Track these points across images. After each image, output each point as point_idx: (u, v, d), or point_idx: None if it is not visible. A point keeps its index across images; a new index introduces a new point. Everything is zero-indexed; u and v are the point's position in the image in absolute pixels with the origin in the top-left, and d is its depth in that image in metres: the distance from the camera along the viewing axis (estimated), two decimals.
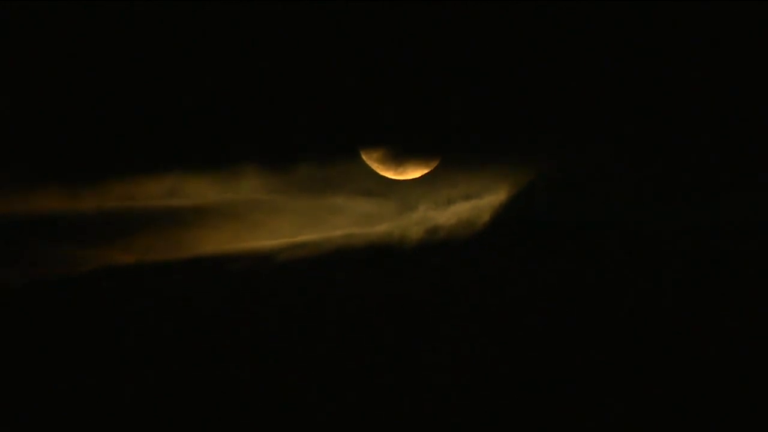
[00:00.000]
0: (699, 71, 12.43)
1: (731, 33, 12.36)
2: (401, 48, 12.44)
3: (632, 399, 12.13)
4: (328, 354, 12.40)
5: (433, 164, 12.57)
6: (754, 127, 12.46)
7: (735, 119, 12.46)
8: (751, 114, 12.45)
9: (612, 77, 12.41)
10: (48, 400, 12.25)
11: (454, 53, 12.44)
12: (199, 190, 12.63)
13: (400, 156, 12.51)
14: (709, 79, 12.43)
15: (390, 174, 12.55)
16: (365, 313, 12.49)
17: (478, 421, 12.11)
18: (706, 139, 12.47)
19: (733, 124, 12.47)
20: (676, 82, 12.45)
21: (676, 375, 12.17)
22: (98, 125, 12.59)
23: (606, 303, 12.39)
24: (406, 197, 12.71)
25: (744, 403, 11.99)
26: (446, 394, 12.23)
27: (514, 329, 12.39)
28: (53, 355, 12.39)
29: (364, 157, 12.57)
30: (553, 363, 12.25)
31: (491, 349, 12.35)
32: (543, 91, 12.43)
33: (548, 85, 12.41)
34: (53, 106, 12.62)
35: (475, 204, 12.60)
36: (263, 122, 12.54)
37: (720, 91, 12.43)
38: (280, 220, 12.72)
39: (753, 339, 12.19)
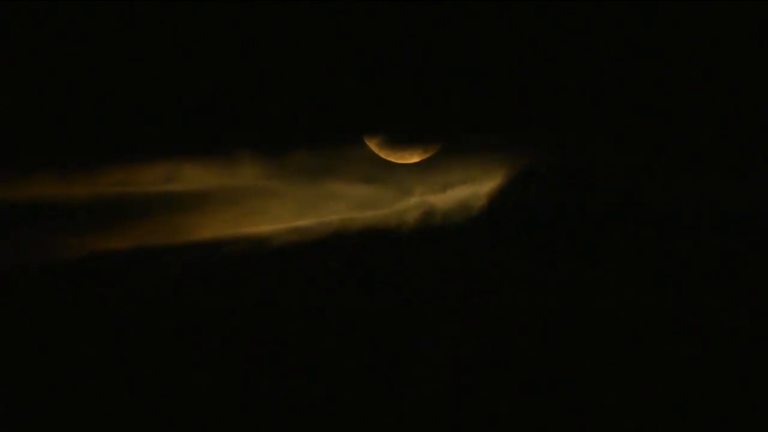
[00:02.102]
0: (701, 58, 12.50)
1: (730, 22, 12.43)
2: (399, 34, 12.48)
3: (629, 383, 12.24)
4: (323, 337, 12.42)
5: (433, 150, 12.63)
6: (756, 118, 12.52)
7: (738, 109, 12.52)
8: (753, 104, 12.51)
9: (612, 62, 12.49)
10: (40, 387, 12.20)
11: (453, 38, 12.50)
12: (196, 176, 12.61)
13: (400, 141, 12.56)
14: (710, 66, 12.50)
15: (392, 158, 12.59)
16: (361, 296, 12.52)
17: (473, 406, 12.15)
18: (710, 124, 12.53)
19: (735, 115, 12.53)
20: (678, 68, 12.53)
21: (675, 364, 12.24)
22: (93, 111, 12.56)
23: (604, 288, 12.45)
24: (403, 182, 12.78)
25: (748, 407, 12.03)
26: (441, 377, 12.27)
27: (511, 312, 12.44)
28: (47, 342, 12.34)
29: (366, 142, 12.61)
30: (551, 348, 12.30)
31: (488, 332, 12.40)
32: (544, 75, 12.50)
33: (549, 69, 12.48)
34: (46, 92, 12.57)
35: (472, 189, 12.66)
36: (261, 108, 12.56)
37: (722, 80, 12.50)
38: (277, 206, 12.73)
39: (756, 337, 12.20)
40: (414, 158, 12.64)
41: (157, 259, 12.46)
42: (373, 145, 12.58)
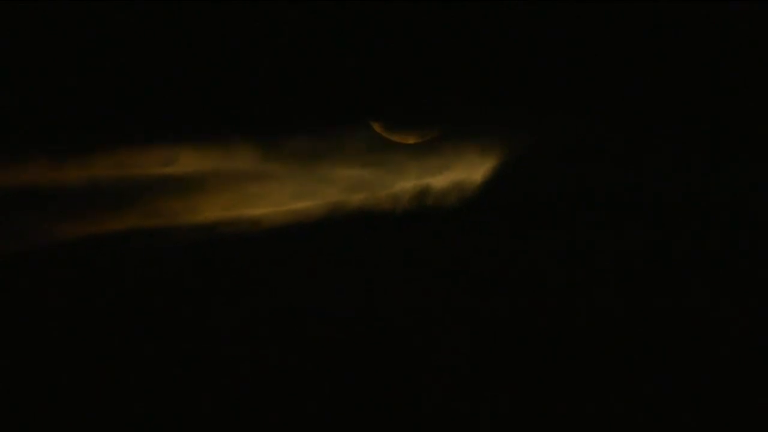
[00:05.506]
0: (701, 46, 12.58)
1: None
2: (396, 17, 12.51)
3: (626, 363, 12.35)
4: (318, 318, 12.48)
5: (432, 134, 12.71)
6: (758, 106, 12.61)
7: (744, 96, 12.59)
8: (757, 92, 12.59)
9: (612, 47, 12.55)
10: (37, 373, 12.18)
11: (450, 21, 12.54)
12: (193, 160, 12.62)
13: (401, 125, 12.63)
14: (711, 55, 12.58)
15: (394, 138, 12.66)
16: (356, 277, 12.58)
17: (468, 390, 12.24)
18: (713, 111, 12.60)
19: (740, 102, 12.59)
20: (678, 53, 12.61)
21: (672, 353, 12.34)
22: (89, 95, 12.52)
23: (601, 271, 12.54)
24: (400, 165, 12.84)
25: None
26: (435, 362, 12.35)
27: (506, 296, 12.52)
28: (44, 327, 12.32)
29: (365, 125, 12.67)
30: (546, 333, 12.38)
31: (482, 316, 12.48)
32: (542, 59, 12.56)
33: (548, 53, 12.54)
34: (42, 77, 12.51)
35: (469, 171, 12.73)
36: (258, 92, 12.56)
37: (724, 70, 12.59)
38: (275, 189, 12.77)
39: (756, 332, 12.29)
40: (411, 140, 12.75)
41: (154, 241, 12.48)
42: (376, 127, 12.66)
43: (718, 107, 12.57)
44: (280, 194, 12.75)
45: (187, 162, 12.61)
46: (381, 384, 12.28)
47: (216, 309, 12.45)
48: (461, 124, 12.70)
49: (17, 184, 12.38)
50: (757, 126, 12.57)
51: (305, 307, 12.48)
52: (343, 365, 12.33)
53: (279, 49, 12.55)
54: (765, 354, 12.12)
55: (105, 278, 12.46)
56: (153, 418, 12.10)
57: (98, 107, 12.51)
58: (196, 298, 12.46)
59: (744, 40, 12.48)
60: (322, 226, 12.67)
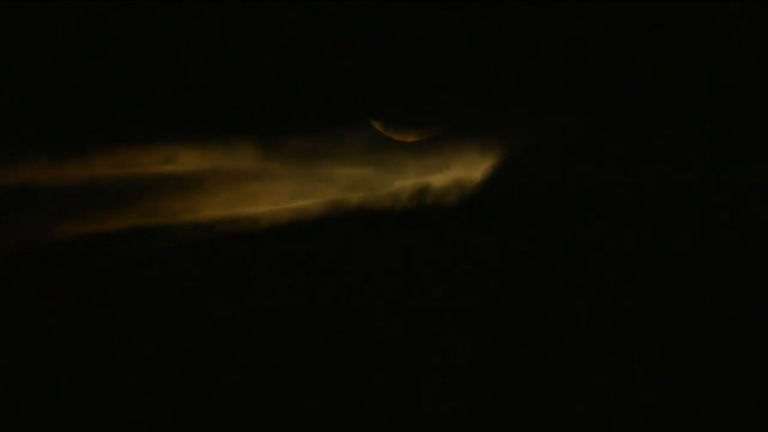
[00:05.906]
0: (700, 43, 12.59)
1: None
2: (396, 20, 12.52)
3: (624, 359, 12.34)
4: (317, 319, 12.48)
5: (432, 133, 12.72)
6: (759, 90, 12.61)
7: (744, 92, 12.59)
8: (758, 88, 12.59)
9: (611, 45, 12.54)
10: (35, 373, 12.17)
11: (450, 17, 12.55)
12: (194, 159, 12.63)
13: (401, 123, 12.65)
14: (710, 52, 12.59)
15: (395, 137, 12.68)
16: (355, 276, 12.58)
17: (467, 390, 12.23)
18: (715, 108, 12.60)
19: (742, 99, 12.59)
20: (677, 50, 12.62)
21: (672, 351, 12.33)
22: (89, 93, 12.52)
23: (599, 270, 12.54)
24: (399, 164, 12.85)
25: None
26: (434, 361, 12.35)
27: (505, 294, 12.52)
28: (42, 326, 12.31)
29: (365, 124, 12.68)
30: (546, 331, 12.37)
31: (481, 314, 12.47)
32: (542, 58, 12.56)
33: (547, 51, 12.55)
34: (40, 76, 12.50)
35: (468, 170, 12.74)
36: (258, 91, 12.57)
37: (725, 65, 12.60)
38: (275, 188, 12.78)
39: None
40: (410, 139, 12.77)
41: (154, 240, 12.49)
42: (376, 126, 12.68)
43: (718, 107, 12.58)
44: (280, 193, 12.77)
45: (187, 161, 12.63)
46: (380, 383, 12.26)
47: (216, 308, 12.44)
48: (461, 124, 12.73)
49: (17, 184, 12.37)
50: (757, 126, 12.58)
51: (305, 305, 12.48)
52: (342, 364, 12.32)
53: (279, 49, 12.56)
54: (765, 354, 12.11)
55: (105, 278, 12.45)
56: (153, 418, 12.07)
57: (98, 107, 12.52)
58: (196, 296, 12.46)
59: (744, 40, 12.48)
60: (321, 225, 12.69)
